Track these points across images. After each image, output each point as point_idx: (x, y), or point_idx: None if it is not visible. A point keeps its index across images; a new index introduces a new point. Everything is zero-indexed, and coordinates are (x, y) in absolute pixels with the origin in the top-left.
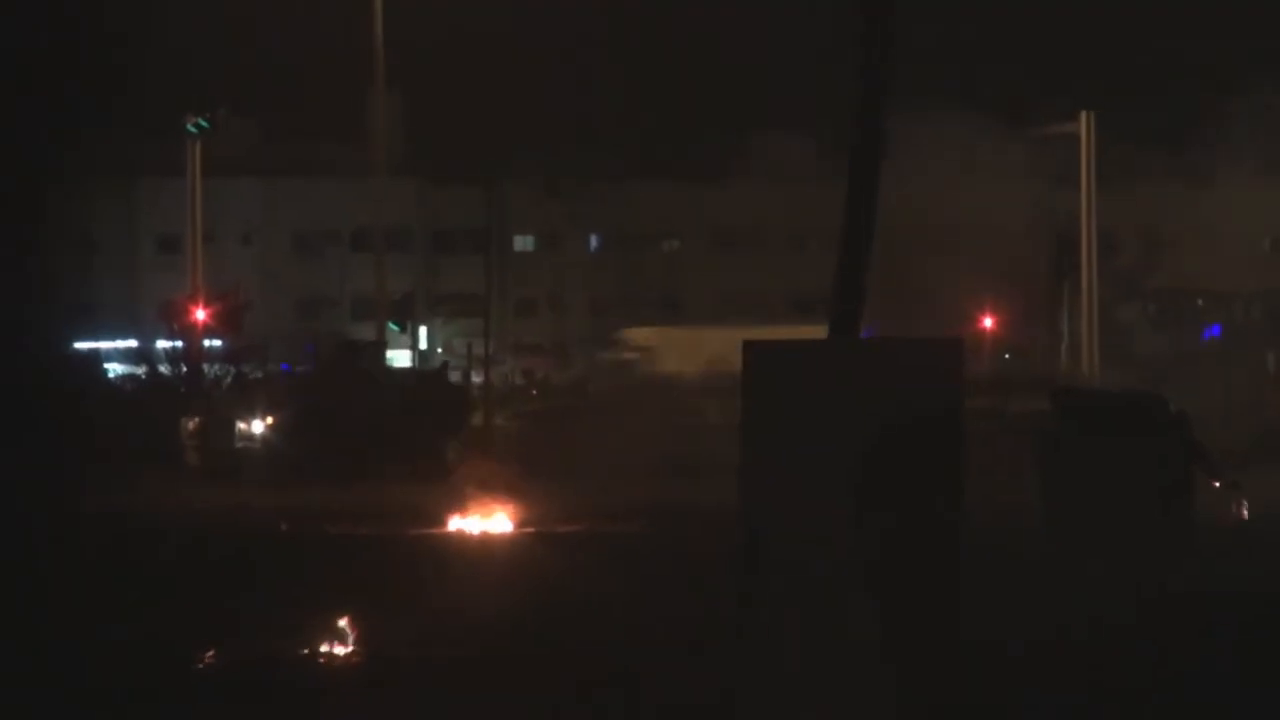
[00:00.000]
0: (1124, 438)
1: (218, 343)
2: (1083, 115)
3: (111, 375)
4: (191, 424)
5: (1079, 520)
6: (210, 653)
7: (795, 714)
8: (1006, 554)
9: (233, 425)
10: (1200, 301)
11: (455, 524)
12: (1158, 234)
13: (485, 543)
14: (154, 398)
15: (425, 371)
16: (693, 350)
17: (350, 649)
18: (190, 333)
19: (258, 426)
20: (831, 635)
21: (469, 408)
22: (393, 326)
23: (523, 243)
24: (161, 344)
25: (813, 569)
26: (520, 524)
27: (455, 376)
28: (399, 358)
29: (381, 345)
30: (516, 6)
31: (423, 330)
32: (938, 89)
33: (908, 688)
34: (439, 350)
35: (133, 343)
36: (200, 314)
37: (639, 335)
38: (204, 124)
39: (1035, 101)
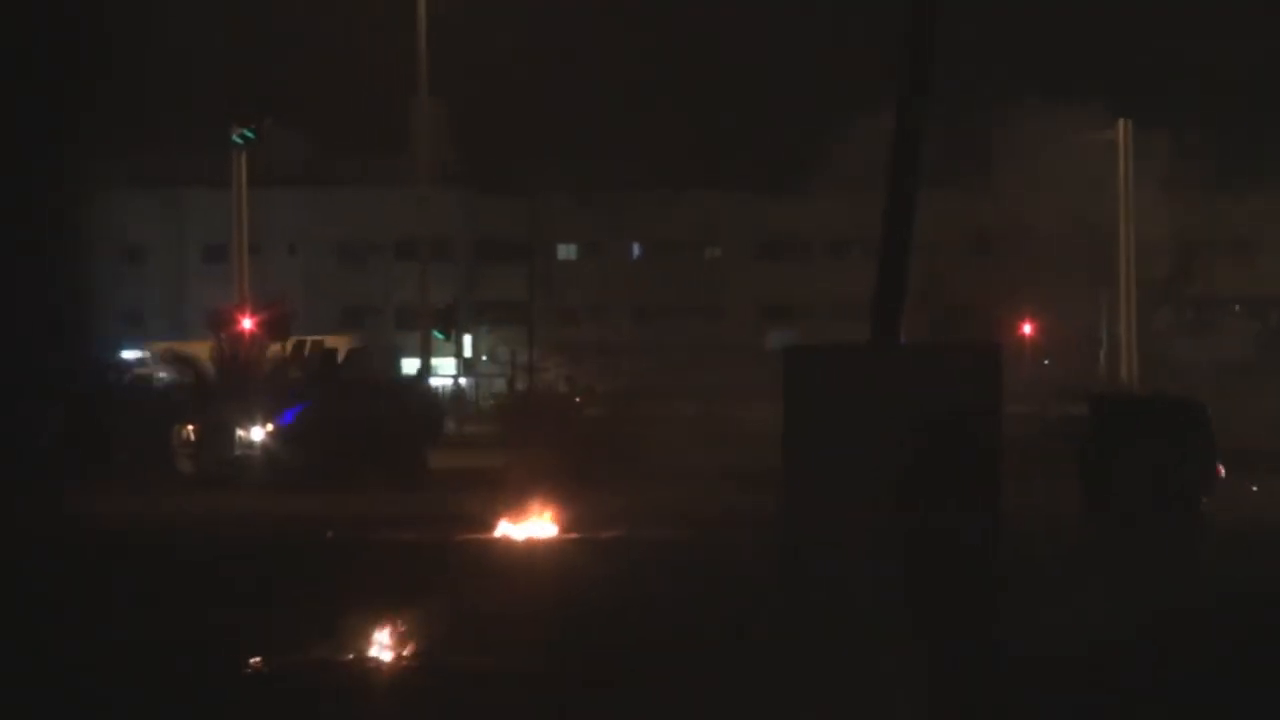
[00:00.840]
0: (1155, 439)
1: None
2: (1120, 123)
3: (159, 382)
4: (186, 431)
5: (1112, 514)
6: (256, 658)
7: (823, 704)
8: (1019, 555)
9: (232, 432)
10: (1237, 308)
11: (502, 529)
12: (1196, 242)
13: (530, 548)
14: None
15: (403, 380)
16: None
17: (384, 652)
18: (237, 341)
19: (257, 434)
20: (862, 633)
21: (444, 416)
22: (437, 335)
23: (565, 251)
24: None
25: (846, 566)
26: (564, 529)
27: (440, 385)
28: (444, 365)
29: (367, 353)
30: (558, 18)
31: (467, 338)
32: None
33: (937, 684)
34: (484, 357)
35: None
36: (247, 322)
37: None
38: (249, 135)
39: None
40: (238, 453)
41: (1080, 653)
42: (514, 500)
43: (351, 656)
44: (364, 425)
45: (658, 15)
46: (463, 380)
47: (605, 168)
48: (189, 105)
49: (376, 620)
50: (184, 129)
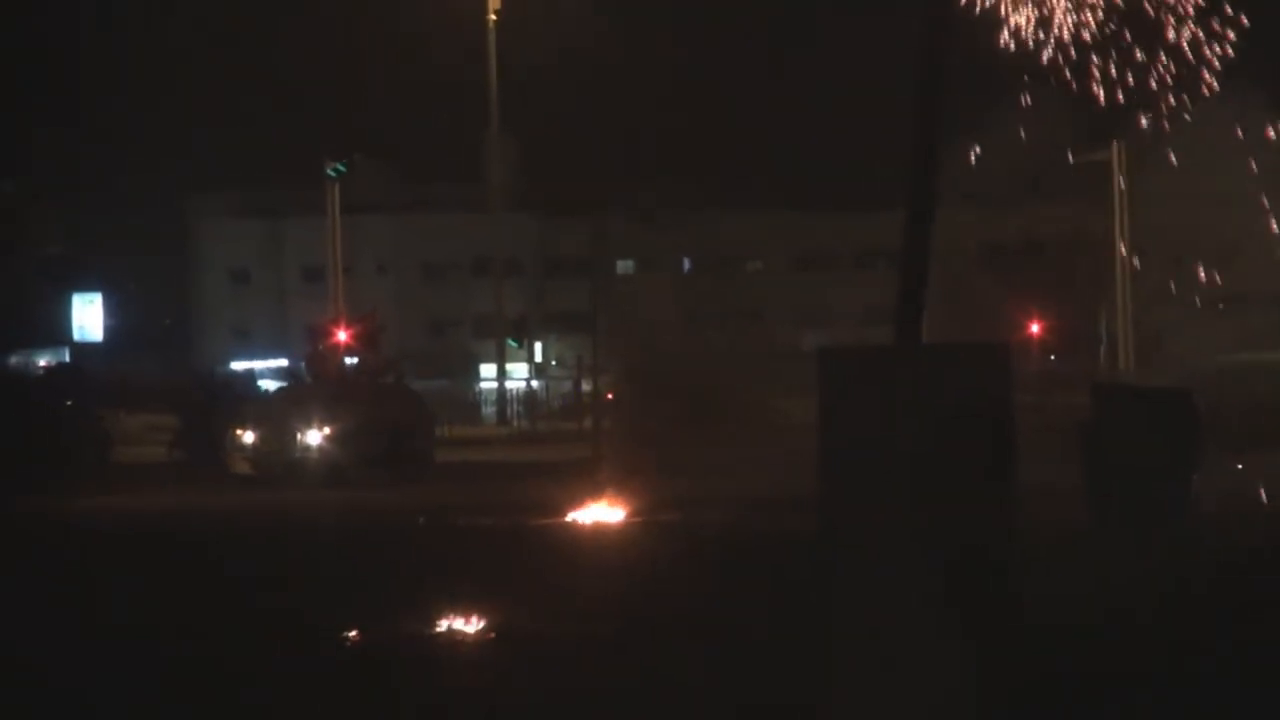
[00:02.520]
0: (1150, 424)
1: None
2: (1114, 144)
3: (264, 389)
4: (242, 434)
5: (1113, 495)
6: (353, 632)
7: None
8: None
9: (294, 434)
10: (1221, 305)
11: (571, 514)
12: (1185, 244)
13: (597, 530)
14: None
15: (389, 383)
16: None
17: (481, 621)
18: (333, 352)
19: (314, 436)
20: (893, 622)
21: (431, 414)
22: (511, 342)
23: (623, 266)
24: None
25: (875, 553)
26: (630, 513)
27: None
28: (517, 369)
29: (379, 357)
30: (611, 57)
31: (537, 345)
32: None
33: (969, 664)
34: (553, 362)
35: (283, 361)
36: (341, 335)
37: None
38: (341, 168)
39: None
40: (297, 455)
41: (1090, 625)
42: (590, 488)
43: (456, 623)
44: (389, 427)
45: (697, 55)
46: (534, 382)
47: (658, 191)
48: (289, 144)
49: (474, 592)
50: (284, 164)
